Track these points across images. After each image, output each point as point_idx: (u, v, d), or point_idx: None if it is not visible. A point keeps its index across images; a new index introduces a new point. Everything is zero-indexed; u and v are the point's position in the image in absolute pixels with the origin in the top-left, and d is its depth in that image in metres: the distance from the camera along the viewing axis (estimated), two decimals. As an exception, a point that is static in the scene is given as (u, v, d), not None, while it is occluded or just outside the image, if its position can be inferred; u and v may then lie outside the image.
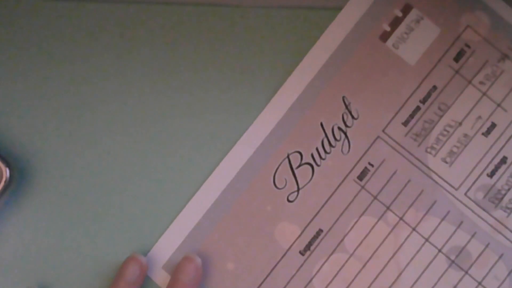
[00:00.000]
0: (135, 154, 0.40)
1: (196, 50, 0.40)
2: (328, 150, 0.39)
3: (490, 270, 0.39)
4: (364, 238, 0.39)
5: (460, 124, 0.40)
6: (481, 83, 0.40)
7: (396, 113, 0.40)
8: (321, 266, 0.39)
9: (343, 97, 0.40)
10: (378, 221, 0.39)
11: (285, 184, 0.39)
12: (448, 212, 0.39)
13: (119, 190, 0.39)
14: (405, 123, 0.40)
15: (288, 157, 0.39)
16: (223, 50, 0.40)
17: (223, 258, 0.39)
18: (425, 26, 0.40)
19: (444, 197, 0.39)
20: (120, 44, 0.40)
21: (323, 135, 0.40)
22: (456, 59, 0.40)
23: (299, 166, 0.39)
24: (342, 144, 0.39)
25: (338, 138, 0.40)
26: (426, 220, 0.39)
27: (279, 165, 0.39)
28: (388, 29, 0.40)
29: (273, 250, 0.39)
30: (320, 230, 0.39)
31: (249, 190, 0.39)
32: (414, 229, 0.39)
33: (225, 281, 0.38)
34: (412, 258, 0.39)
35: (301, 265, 0.39)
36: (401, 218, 0.39)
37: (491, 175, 0.39)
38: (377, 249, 0.39)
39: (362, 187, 0.39)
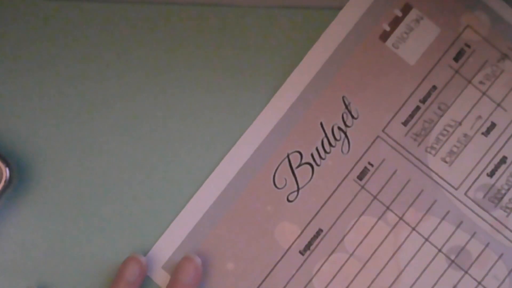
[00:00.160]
0: (135, 154, 0.40)
1: (196, 50, 0.40)
2: (328, 150, 0.39)
3: (490, 269, 0.39)
4: (364, 238, 0.39)
5: (460, 124, 0.40)
6: (481, 83, 0.40)
7: (396, 113, 0.40)
8: (321, 266, 0.39)
9: (343, 97, 0.40)
10: (378, 221, 0.39)
11: (285, 184, 0.39)
12: (448, 212, 0.39)
13: (119, 190, 0.39)
14: (405, 123, 0.40)
15: (288, 157, 0.39)
16: (223, 50, 0.40)
17: (223, 258, 0.39)
18: (425, 26, 0.40)
19: (444, 196, 0.39)
20: (120, 44, 0.40)
21: (323, 135, 0.40)
22: (456, 59, 0.40)
23: (299, 166, 0.39)
24: (342, 144, 0.39)
25: (338, 138, 0.39)
26: (426, 220, 0.39)
27: (279, 165, 0.39)
28: (388, 29, 0.40)
29: (273, 250, 0.39)
30: (320, 230, 0.39)
31: (249, 190, 0.39)
32: (414, 228, 0.39)
33: (225, 281, 0.38)
34: (412, 258, 0.39)
35: (301, 265, 0.39)
36: (401, 218, 0.39)
37: (491, 174, 0.39)
38: (377, 249, 0.39)
39: (362, 187, 0.39)
